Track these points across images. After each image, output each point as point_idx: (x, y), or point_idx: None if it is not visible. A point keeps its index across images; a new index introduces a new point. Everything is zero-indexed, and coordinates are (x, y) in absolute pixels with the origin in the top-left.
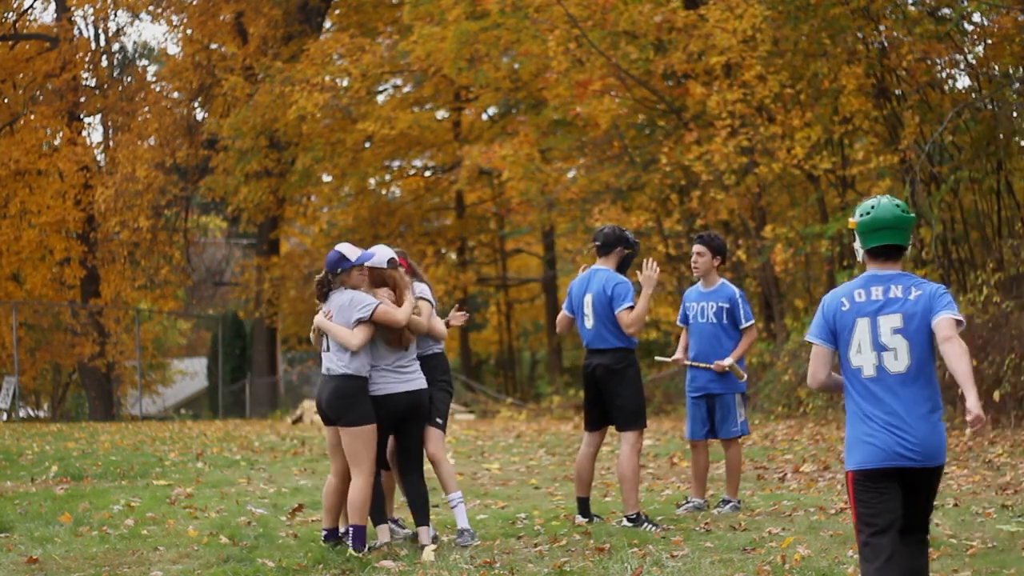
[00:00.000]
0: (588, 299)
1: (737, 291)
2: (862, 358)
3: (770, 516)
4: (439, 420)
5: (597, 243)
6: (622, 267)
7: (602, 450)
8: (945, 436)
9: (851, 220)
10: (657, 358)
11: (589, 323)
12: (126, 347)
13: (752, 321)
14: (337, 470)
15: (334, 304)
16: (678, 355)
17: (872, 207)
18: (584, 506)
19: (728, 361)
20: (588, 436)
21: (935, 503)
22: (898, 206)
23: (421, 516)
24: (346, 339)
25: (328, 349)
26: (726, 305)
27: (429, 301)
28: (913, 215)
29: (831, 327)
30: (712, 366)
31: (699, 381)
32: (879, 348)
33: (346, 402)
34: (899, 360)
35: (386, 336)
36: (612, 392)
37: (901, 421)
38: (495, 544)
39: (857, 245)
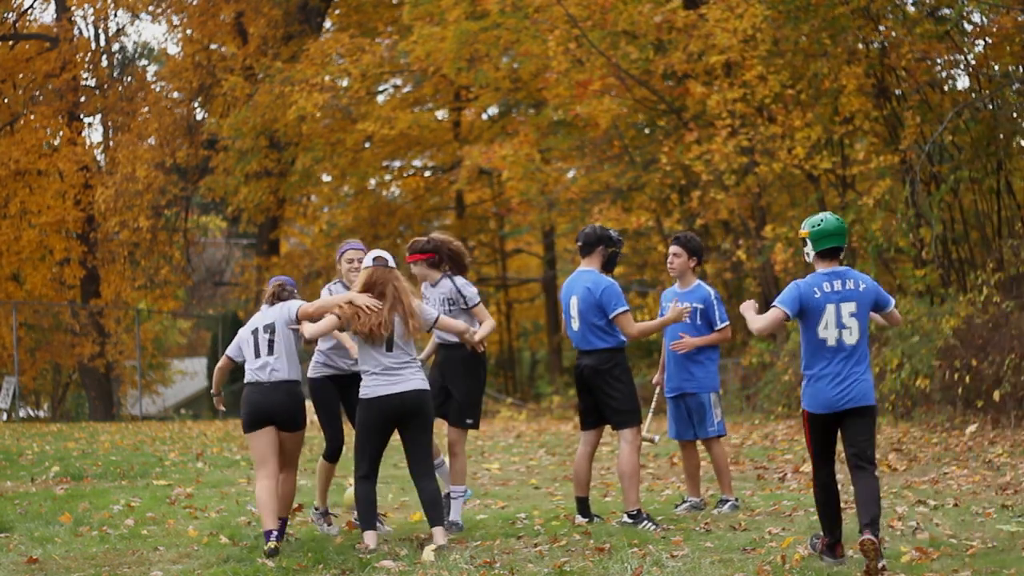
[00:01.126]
0: (574, 301)
1: (712, 292)
2: (828, 332)
3: (770, 516)
4: (469, 420)
5: (579, 244)
6: (608, 266)
7: (602, 450)
8: (873, 383)
9: (803, 230)
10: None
11: (575, 325)
12: (126, 347)
13: (727, 323)
14: (271, 472)
15: (274, 315)
16: (657, 377)
17: (821, 220)
18: (583, 506)
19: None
20: (584, 436)
21: (934, 503)
22: (838, 219)
23: (435, 517)
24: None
25: (270, 353)
26: (700, 306)
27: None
28: (845, 224)
29: (802, 304)
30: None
31: (673, 381)
32: (840, 326)
33: (299, 407)
34: (852, 335)
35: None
36: (602, 392)
37: (847, 376)
38: (495, 544)
39: (807, 249)
